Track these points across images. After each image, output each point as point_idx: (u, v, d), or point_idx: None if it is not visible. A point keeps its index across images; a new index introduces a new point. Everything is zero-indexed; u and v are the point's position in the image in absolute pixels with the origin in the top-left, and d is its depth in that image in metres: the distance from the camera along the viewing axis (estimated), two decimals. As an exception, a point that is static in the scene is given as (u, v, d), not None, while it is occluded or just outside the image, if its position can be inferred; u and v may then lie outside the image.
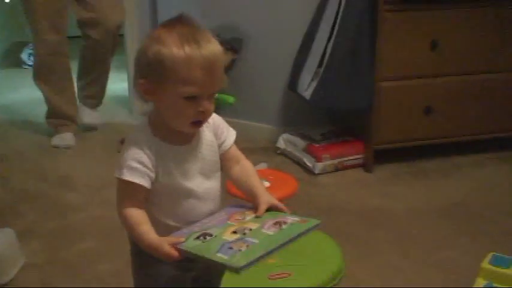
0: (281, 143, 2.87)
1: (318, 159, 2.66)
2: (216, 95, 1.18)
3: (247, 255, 1.06)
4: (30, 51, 4.17)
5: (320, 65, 2.67)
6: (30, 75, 3.05)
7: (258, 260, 1.06)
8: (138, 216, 1.16)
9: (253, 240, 1.11)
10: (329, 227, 2.11)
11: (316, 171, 2.65)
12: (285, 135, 2.89)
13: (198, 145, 1.23)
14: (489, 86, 2.75)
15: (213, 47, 1.14)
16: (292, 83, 2.82)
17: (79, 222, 2.25)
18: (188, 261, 1.13)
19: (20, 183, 2.62)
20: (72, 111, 3.08)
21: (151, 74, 1.14)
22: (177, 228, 1.18)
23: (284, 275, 1.74)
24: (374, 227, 2.19)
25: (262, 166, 2.65)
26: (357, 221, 2.24)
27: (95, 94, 3.20)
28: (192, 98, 1.13)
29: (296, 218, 1.20)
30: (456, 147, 2.86)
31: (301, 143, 2.80)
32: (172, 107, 1.15)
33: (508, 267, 1.78)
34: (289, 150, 2.83)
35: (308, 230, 1.17)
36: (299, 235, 1.14)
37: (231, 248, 1.08)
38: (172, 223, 1.20)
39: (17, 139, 3.20)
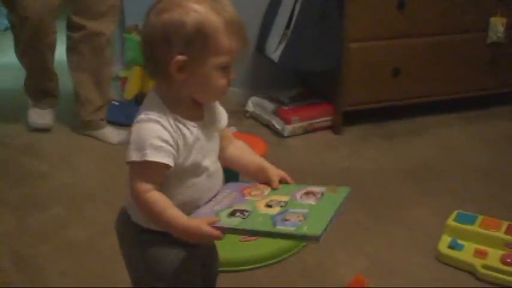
0: (250, 106, 2.87)
1: (287, 122, 2.67)
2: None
3: (314, 223, 1.03)
4: None
5: (288, 26, 2.65)
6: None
7: (328, 225, 1.03)
8: (164, 200, 1.07)
9: (302, 210, 1.07)
10: None
11: (285, 134, 2.66)
12: (254, 99, 2.88)
13: (209, 121, 1.16)
14: (455, 46, 2.78)
15: (233, 8, 1.08)
16: (260, 45, 2.80)
17: (46, 190, 2.22)
18: (194, 245, 1.11)
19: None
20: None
21: (192, 48, 1.04)
22: (182, 208, 1.09)
23: (254, 238, 1.76)
24: (342, 188, 2.22)
25: (232, 130, 2.64)
26: (326, 182, 2.23)
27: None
28: (225, 67, 1.08)
29: (321, 187, 1.18)
30: (423, 108, 2.89)
31: (270, 106, 2.79)
32: (206, 80, 1.07)
33: (472, 224, 1.84)
34: (258, 113, 2.83)
35: (345, 197, 1.15)
36: (341, 204, 1.12)
37: (286, 219, 1.04)
38: (176, 203, 1.10)
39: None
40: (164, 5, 1.06)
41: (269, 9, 2.78)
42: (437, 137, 2.72)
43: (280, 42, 2.68)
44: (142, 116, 1.08)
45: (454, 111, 2.94)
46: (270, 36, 2.75)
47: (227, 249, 1.47)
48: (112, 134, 2.59)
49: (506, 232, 1.79)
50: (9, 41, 2.70)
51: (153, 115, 1.07)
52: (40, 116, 2.66)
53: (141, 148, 1.05)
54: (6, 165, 2.43)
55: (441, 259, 1.79)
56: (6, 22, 3.61)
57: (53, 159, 2.49)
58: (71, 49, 2.57)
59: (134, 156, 1.05)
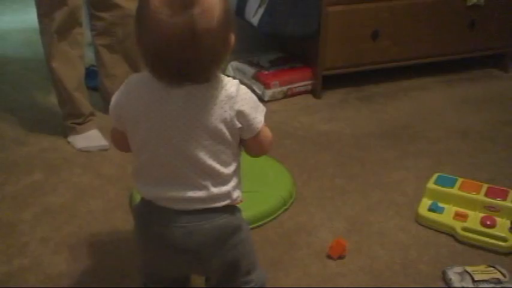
0: (230, 71, 2.84)
1: (267, 86, 2.65)
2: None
3: None
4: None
5: (267, -10, 2.62)
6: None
7: None
8: None
9: None
10: (278, 153, 2.13)
11: (266, 99, 2.64)
12: (234, 63, 2.86)
13: None
14: (436, 9, 2.77)
15: None
16: (240, 9, 2.76)
17: (24, 156, 2.20)
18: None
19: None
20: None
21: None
22: None
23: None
24: (322, 151, 2.22)
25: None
26: (306, 145, 2.27)
27: None
28: None
29: None
30: (403, 71, 2.89)
31: (250, 70, 2.77)
32: None
33: (452, 187, 1.85)
34: (238, 78, 2.80)
35: None
36: None
37: None
38: None
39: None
40: None
41: (248, -28, 2.74)
42: (417, 99, 2.72)
43: (259, 6, 2.65)
44: (239, 83, 1.12)
45: (434, 74, 2.96)
46: (249, 0, 2.72)
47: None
48: None
49: (486, 195, 1.80)
50: None
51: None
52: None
53: (262, 110, 1.15)
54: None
55: (421, 221, 1.79)
56: None
57: (27, 124, 2.46)
58: (102, 32, 2.40)
59: (263, 118, 1.16)
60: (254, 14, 2.66)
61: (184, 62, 1.02)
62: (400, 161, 2.17)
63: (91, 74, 2.59)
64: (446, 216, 1.78)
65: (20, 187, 1.99)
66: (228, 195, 1.14)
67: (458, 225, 1.73)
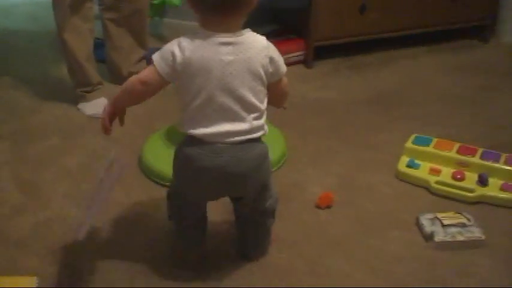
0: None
1: (263, 57, 2.82)
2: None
3: None
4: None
5: (262, -35, 2.78)
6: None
7: None
8: None
9: None
10: (272, 117, 2.26)
11: (261, 68, 2.81)
12: (231, 35, 3.01)
13: None
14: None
15: None
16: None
17: (40, 123, 2.38)
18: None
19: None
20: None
21: None
22: None
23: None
24: (314, 116, 2.40)
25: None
26: (299, 111, 2.43)
27: None
28: None
29: None
30: (392, 42, 3.05)
31: (247, 41, 2.93)
32: None
33: (427, 146, 2.03)
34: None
35: None
36: None
37: None
38: None
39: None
40: None
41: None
42: (404, 67, 2.90)
43: (256, -20, 2.81)
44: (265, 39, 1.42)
45: (420, 44, 3.12)
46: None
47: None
48: None
49: (458, 152, 1.98)
50: None
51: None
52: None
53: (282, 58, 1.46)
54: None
55: (400, 177, 1.97)
56: None
57: (40, 93, 2.63)
58: (110, 7, 2.57)
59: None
60: (250, -13, 2.82)
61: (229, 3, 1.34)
62: (386, 124, 2.35)
63: (97, 46, 2.75)
64: (422, 171, 1.96)
65: (39, 150, 2.17)
66: (262, 127, 1.44)
67: (432, 179, 1.91)
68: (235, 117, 1.39)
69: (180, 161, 1.47)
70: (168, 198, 1.60)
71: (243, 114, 1.39)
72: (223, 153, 1.39)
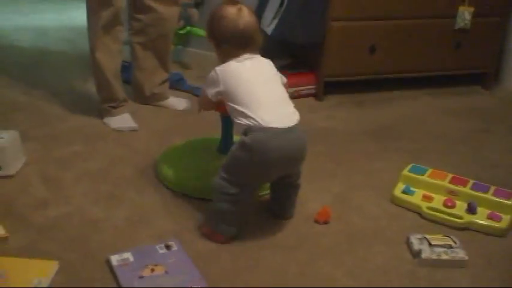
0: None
1: (277, 87, 3.02)
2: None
3: None
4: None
5: (281, 5, 3.00)
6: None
7: None
8: None
9: None
10: None
11: (275, 98, 3.02)
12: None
13: None
14: (426, 30, 3.09)
15: None
16: (257, 19, 3.13)
17: (67, 130, 2.59)
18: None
19: (9, 95, 2.96)
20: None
21: None
22: None
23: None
24: (318, 143, 2.56)
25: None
26: (307, 138, 2.59)
27: None
28: None
29: None
30: (395, 82, 3.23)
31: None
32: None
33: (423, 174, 2.17)
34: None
35: None
36: None
37: None
38: None
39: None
40: None
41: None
42: (404, 106, 3.07)
43: (274, 18, 3.02)
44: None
45: (423, 87, 3.29)
46: (265, 12, 3.08)
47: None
48: (179, 102, 2.91)
49: (450, 182, 2.11)
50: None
51: None
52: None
53: None
54: (32, 109, 2.81)
55: (395, 201, 2.10)
56: None
57: (68, 103, 2.85)
58: (138, 31, 2.78)
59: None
60: (269, 24, 3.04)
61: (251, 38, 1.86)
62: (382, 153, 2.51)
63: (124, 69, 2.97)
64: (416, 197, 2.09)
65: (64, 153, 2.37)
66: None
67: (424, 205, 2.04)
68: (285, 103, 1.83)
69: (248, 144, 1.71)
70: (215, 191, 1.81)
71: (288, 100, 1.85)
72: (291, 136, 1.76)
